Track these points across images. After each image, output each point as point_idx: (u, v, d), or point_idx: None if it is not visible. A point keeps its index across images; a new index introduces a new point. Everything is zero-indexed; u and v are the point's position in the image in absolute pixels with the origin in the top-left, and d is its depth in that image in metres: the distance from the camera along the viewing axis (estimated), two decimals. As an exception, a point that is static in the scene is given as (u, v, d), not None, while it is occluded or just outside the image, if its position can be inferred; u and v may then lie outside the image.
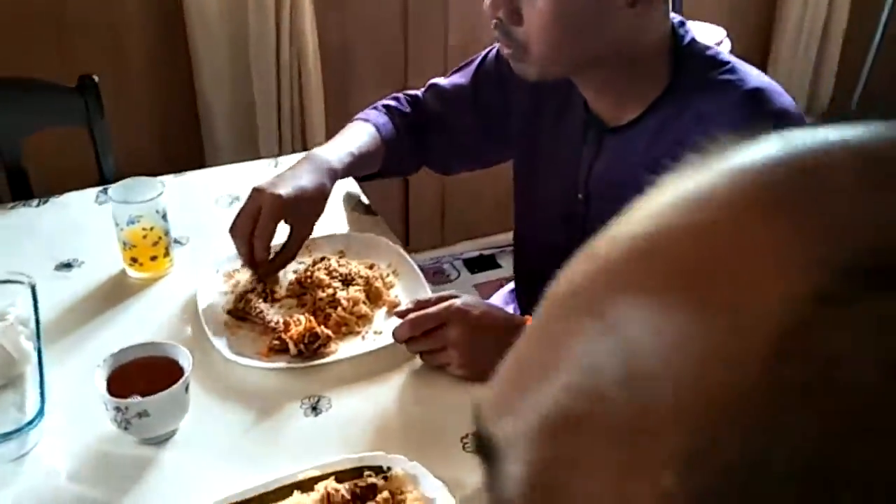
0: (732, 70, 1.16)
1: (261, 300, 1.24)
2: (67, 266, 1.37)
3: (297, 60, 2.38)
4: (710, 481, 0.21)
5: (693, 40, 1.20)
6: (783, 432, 0.20)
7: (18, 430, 0.99)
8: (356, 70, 2.55)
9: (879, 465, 0.19)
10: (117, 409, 1.01)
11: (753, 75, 1.15)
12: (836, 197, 0.23)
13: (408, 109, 1.48)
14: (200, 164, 2.20)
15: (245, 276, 1.30)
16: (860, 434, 0.19)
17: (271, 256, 1.27)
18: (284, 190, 1.23)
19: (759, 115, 1.11)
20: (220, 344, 1.18)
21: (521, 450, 0.25)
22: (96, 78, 1.64)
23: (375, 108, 1.48)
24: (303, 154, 1.36)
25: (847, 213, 0.22)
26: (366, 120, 1.43)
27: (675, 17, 1.20)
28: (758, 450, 0.20)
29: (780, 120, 1.12)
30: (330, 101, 2.46)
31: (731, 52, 2.52)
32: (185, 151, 2.35)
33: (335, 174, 1.30)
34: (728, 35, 2.54)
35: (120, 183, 1.30)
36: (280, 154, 2.09)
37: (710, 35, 2.49)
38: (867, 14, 3.03)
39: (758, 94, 1.13)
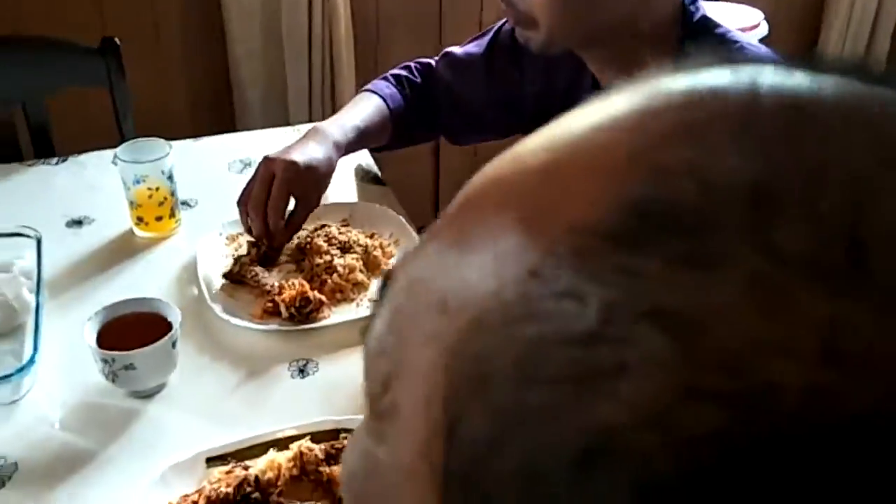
0: (741, 50, 1.14)
1: (256, 264, 1.26)
2: (78, 223, 1.40)
3: (329, 32, 2.40)
4: (471, 368, 0.22)
5: (703, 17, 1.17)
6: (515, 344, 0.21)
7: (9, 376, 1.02)
8: (390, 43, 2.56)
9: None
10: (104, 361, 1.03)
11: (762, 55, 1.14)
12: (670, 142, 0.22)
13: (418, 79, 1.48)
14: (232, 130, 2.24)
15: (247, 239, 1.33)
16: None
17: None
18: (298, 157, 1.24)
19: None
20: (214, 304, 1.20)
21: (386, 300, 0.27)
22: (118, 40, 1.67)
23: (385, 78, 1.48)
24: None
25: (665, 159, 0.22)
26: (374, 91, 1.43)
27: None
28: (490, 356, 0.21)
29: None
30: (361, 72, 2.48)
31: (770, 36, 2.48)
32: (217, 118, 2.38)
33: (340, 149, 1.31)
34: (766, 19, 2.50)
35: (128, 143, 1.34)
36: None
37: (747, 17, 2.45)
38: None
39: None
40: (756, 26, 2.44)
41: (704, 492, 0.18)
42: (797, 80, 0.23)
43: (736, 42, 1.14)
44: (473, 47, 1.46)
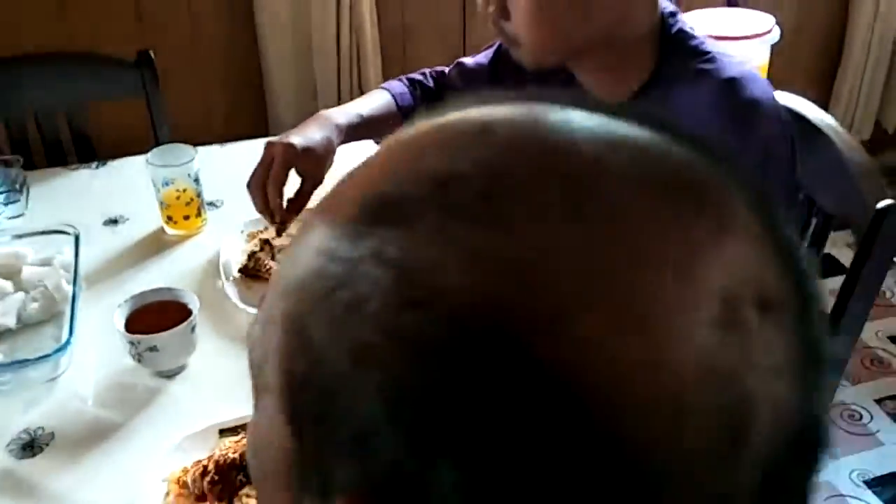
0: (712, 59, 1.21)
1: (269, 258, 1.38)
2: (114, 222, 1.54)
3: (357, 42, 2.52)
4: (295, 325, 0.33)
5: (680, 30, 1.25)
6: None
7: (48, 356, 1.16)
8: (416, 53, 2.67)
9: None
10: (131, 343, 1.16)
11: (731, 65, 1.21)
12: (407, 158, 0.35)
13: (431, 84, 1.59)
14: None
15: (260, 237, 1.45)
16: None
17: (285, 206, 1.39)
18: (294, 140, 1.35)
19: (731, 103, 1.18)
20: (232, 294, 1.32)
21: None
22: (152, 54, 1.81)
23: (399, 79, 1.59)
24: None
25: (400, 169, 0.34)
26: (385, 89, 1.54)
27: (668, 7, 1.26)
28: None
29: (752, 107, 1.18)
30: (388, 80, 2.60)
31: (781, 41, 2.55)
32: (252, 126, 2.52)
33: (341, 130, 1.41)
34: (778, 23, 2.57)
35: (158, 148, 1.47)
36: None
37: (758, 23, 2.52)
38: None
39: (732, 83, 1.18)
40: (767, 32, 2.51)
41: (417, 375, 0.28)
42: (506, 108, 0.35)
43: (708, 52, 1.22)
44: (482, 58, 1.56)
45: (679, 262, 0.29)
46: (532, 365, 0.27)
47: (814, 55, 3.15)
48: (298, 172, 1.36)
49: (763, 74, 2.52)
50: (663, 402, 0.28)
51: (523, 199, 0.30)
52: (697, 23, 2.44)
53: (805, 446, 0.33)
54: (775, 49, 2.60)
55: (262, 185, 1.34)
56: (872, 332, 2.66)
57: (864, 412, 2.40)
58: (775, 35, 2.53)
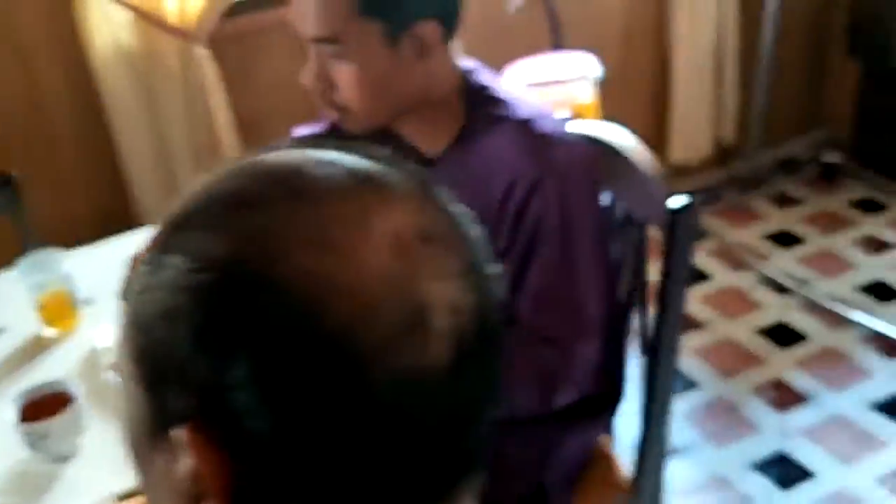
0: (505, 105, 1.38)
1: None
2: (-4, 333, 1.62)
3: (211, 135, 2.63)
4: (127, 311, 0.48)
5: (478, 84, 1.41)
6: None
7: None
8: (273, 140, 2.80)
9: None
10: (25, 433, 1.26)
11: (522, 107, 1.38)
12: (208, 181, 0.50)
13: None
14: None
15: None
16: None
17: None
18: None
19: (527, 140, 1.34)
20: (113, 379, 1.42)
21: None
22: (12, 176, 1.91)
23: None
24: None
25: (199, 189, 0.49)
26: None
27: (468, 65, 1.43)
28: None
29: (545, 141, 1.35)
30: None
31: (609, 78, 2.76)
32: (118, 223, 2.59)
33: None
34: (600, 59, 2.78)
35: (28, 257, 1.57)
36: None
37: (581, 65, 2.73)
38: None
39: (525, 123, 1.35)
40: (589, 73, 2.71)
41: (208, 311, 0.44)
42: (280, 152, 0.51)
43: (502, 100, 1.38)
44: (316, 128, 1.68)
45: (359, 216, 0.46)
46: (270, 286, 0.44)
47: (643, 87, 3.39)
48: None
49: (594, 112, 2.72)
50: (356, 299, 0.44)
51: (258, 201, 0.47)
52: (523, 70, 2.66)
53: (489, 332, 0.49)
54: (605, 87, 2.79)
55: None
56: (740, 329, 2.84)
57: (740, 403, 2.57)
58: (598, 72, 2.73)
